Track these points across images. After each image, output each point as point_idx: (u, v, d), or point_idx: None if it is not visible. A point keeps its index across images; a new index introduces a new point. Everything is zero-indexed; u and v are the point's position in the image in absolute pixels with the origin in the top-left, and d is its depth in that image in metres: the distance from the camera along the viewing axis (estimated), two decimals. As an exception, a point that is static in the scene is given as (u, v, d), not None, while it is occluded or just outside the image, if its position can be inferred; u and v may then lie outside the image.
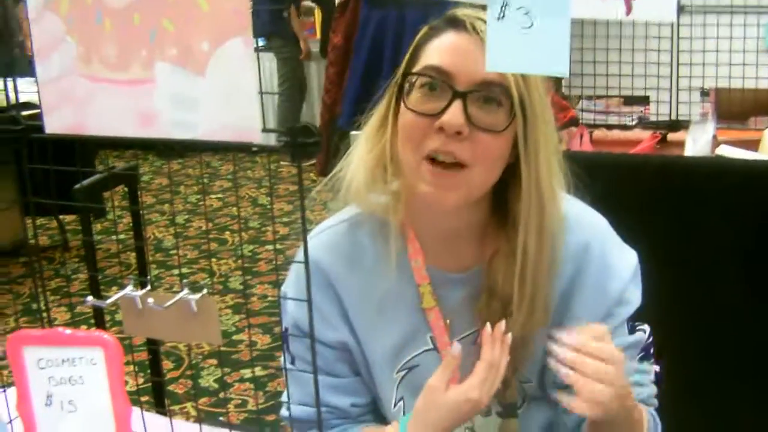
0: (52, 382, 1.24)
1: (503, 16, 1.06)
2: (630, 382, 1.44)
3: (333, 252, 1.57)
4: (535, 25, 1.05)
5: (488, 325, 1.46)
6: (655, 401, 1.60)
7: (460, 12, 1.48)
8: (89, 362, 1.21)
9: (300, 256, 1.47)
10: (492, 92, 1.41)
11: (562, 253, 1.50)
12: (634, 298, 1.54)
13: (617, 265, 1.53)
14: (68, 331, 1.22)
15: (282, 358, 1.61)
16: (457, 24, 1.46)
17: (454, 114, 1.39)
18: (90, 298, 1.32)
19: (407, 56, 1.50)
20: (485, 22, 1.08)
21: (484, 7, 1.26)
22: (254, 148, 7.21)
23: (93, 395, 1.23)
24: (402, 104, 1.46)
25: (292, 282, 1.60)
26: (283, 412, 1.60)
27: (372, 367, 1.60)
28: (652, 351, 1.57)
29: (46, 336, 1.22)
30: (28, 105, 1.30)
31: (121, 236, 5.61)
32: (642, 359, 1.56)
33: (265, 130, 1.08)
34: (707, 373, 1.67)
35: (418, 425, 1.47)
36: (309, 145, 1.06)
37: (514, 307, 1.46)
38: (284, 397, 1.58)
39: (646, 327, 1.56)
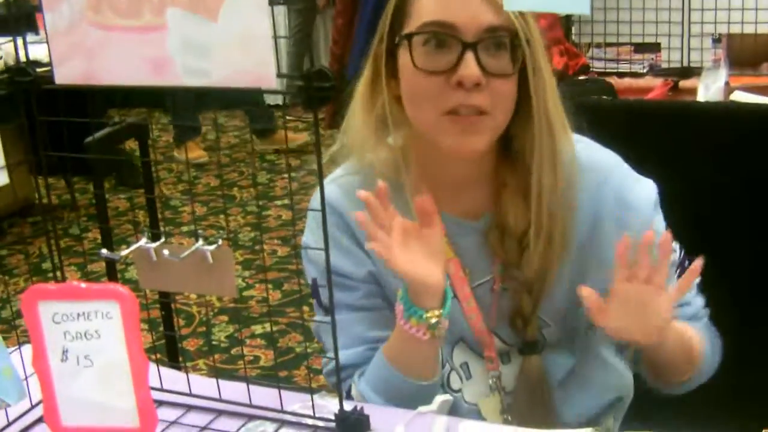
0: (67, 336, 1.23)
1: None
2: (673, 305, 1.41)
3: (350, 198, 1.55)
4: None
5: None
6: (705, 312, 1.60)
7: None
8: (105, 316, 1.20)
9: (314, 203, 1.45)
10: (499, 38, 1.40)
11: (578, 189, 1.49)
12: (659, 227, 1.52)
13: (635, 198, 1.52)
14: (83, 284, 1.20)
15: (314, 305, 1.58)
16: None
17: (470, 66, 1.38)
18: (104, 250, 1.30)
19: (390, 15, 1.47)
20: None
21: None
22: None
23: (109, 349, 1.22)
24: (410, 64, 1.42)
25: (312, 230, 1.57)
26: (325, 364, 1.56)
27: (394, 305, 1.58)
28: (687, 265, 1.53)
29: (62, 290, 1.21)
30: (37, 63, 1.28)
31: (130, 195, 5.61)
32: (680, 275, 1.52)
33: (279, 75, 1.06)
34: (726, 310, 1.66)
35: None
36: (325, 89, 1.04)
37: (531, 240, 1.46)
38: (328, 353, 1.54)
39: (676, 246, 1.54)
